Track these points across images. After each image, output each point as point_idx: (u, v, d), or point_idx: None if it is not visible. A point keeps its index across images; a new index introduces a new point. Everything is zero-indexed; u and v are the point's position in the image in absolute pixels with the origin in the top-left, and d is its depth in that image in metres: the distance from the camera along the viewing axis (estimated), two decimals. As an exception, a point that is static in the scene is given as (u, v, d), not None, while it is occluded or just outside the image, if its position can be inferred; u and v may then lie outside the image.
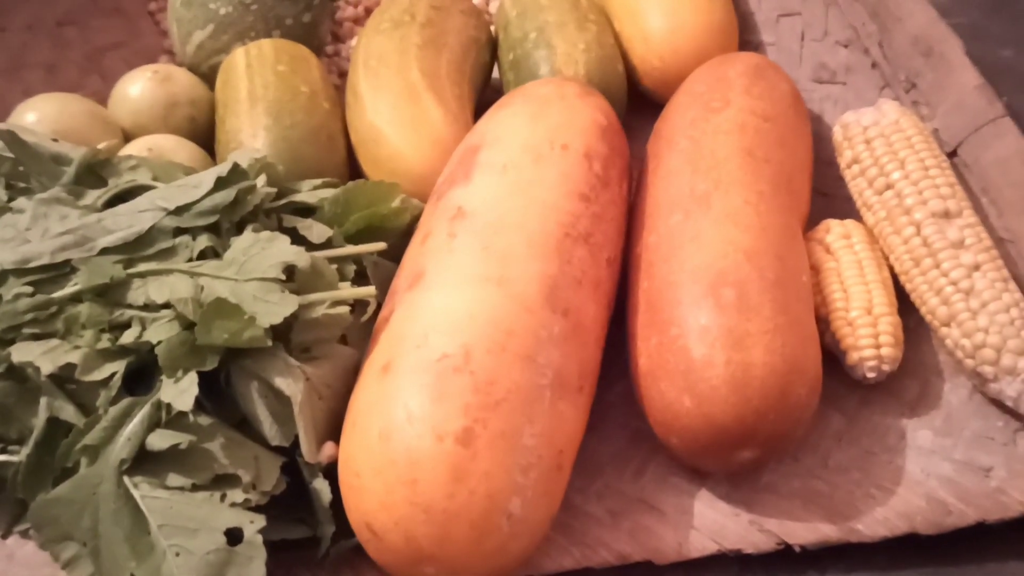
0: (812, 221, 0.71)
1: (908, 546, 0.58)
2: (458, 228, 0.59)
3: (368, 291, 0.59)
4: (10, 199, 0.63)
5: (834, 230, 0.68)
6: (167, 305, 0.55)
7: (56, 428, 0.54)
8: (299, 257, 0.57)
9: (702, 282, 0.58)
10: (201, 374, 0.53)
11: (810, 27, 0.82)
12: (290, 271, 0.57)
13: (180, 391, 0.52)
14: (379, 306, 0.61)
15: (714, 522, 0.59)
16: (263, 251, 0.57)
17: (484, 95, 0.86)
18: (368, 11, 0.98)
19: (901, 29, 0.74)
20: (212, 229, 0.60)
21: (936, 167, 0.66)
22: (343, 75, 0.91)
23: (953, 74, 0.70)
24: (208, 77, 0.83)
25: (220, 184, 0.61)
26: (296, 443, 0.55)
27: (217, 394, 0.56)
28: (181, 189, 0.61)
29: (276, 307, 0.55)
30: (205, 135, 0.80)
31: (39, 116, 0.74)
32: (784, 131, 0.69)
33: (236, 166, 0.62)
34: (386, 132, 0.74)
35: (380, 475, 0.51)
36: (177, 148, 0.75)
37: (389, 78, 0.77)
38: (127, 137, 0.79)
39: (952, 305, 0.62)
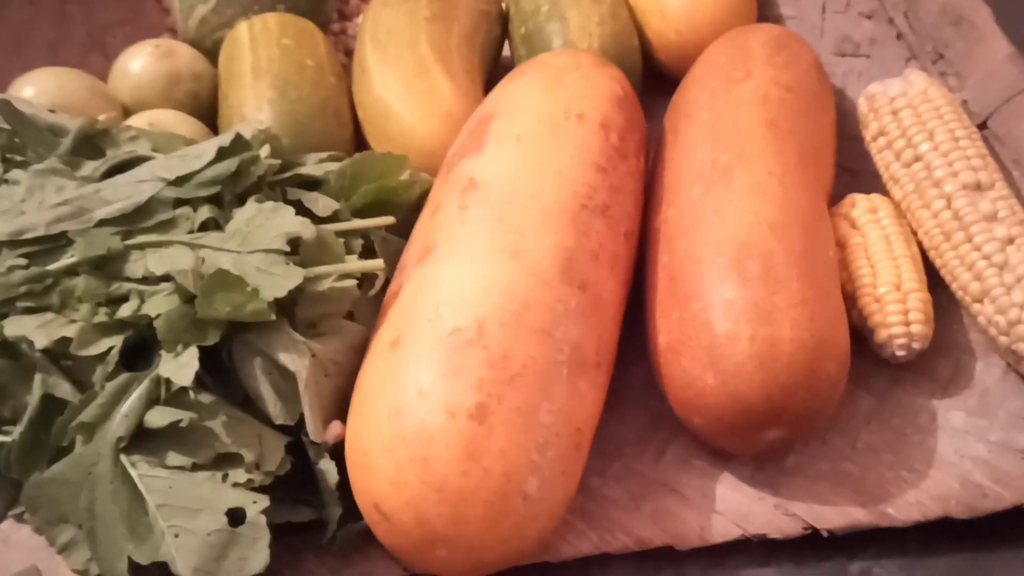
0: (836, 197, 0.68)
1: (942, 530, 0.56)
2: (470, 200, 0.57)
3: (376, 264, 0.56)
4: (6, 171, 0.61)
5: (860, 204, 0.66)
6: (167, 278, 0.53)
7: (51, 405, 0.52)
8: (304, 228, 0.55)
9: (726, 255, 0.56)
10: (202, 349, 0.51)
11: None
12: (295, 243, 0.55)
13: (180, 366, 0.50)
14: (387, 281, 0.59)
15: (739, 506, 0.57)
16: (267, 222, 0.55)
17: (495, 71, 0.84)
18: (375, -13, 0.95)
19: (928, -1, 0.72)
20: (214, 200, 0.58)
21: (966, 138, 0.64)
22: (349, 53, 0.89)
23: (983, 43, 0.68)
24: (211, 53, 0.81)
25: (222, 154, 0.59)
26: (301, 422, 0.53)
27: (219, 370, 0.54)
28: (182, 159, 0.59)
29: (280, 279, 0.52)
30: (208, 111, 0.78)
31: (38, 89, 0.72)
32: (808, 102, 0.67)
33: (239, 136, 0.59)
34: (395, 107, 0.72)
35: (390, 453, 0.48)
36: (178, 123, 0.73)
37: (398, 52, 0.74)
38: (128, 113, 0.77)
39: (985, 280, 0.60)
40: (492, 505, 0.48)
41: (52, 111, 0.64)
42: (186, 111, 0.77)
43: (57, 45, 0.86)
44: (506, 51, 0.86)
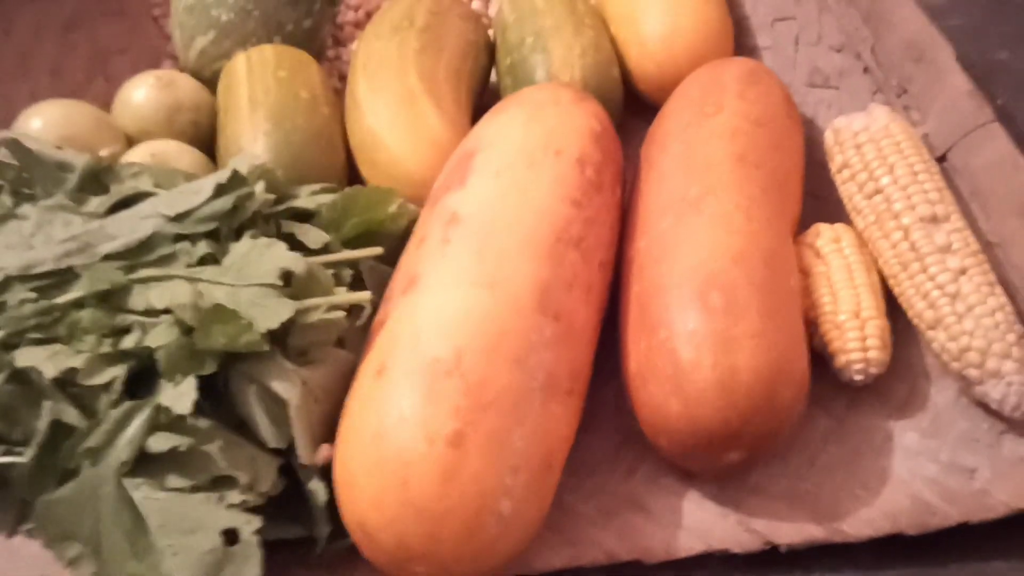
0: (805, 223, 0.72)
1: (893, 546, 0.59)
2: (452, 233, 0.61)
3: (363, 296, 0.60)
4: (15, 204, 0.65)
5: (824, 234, 0.69)
6: (167, 310, 0.57)
7: (59, 430, 0.55)
8: (296, 263, 0.58)
9: (690, 285, 0.60)
10: (200, 378, 0.55)
11: (805, 31, 0.83)
12: (287, 276, 0.58)
13: (179, 395, 0.53)
14: (375, 310, 0.63)
15: (702, 522, 0.61)
16: (261, 257, 0.59)
17: (482, 98, 0.87)
18: (369, 15, 0.99)
19: (893, 34, 0.75)
20: (211, 235, 0.62)
21: (925, 172, 0.67)
22: (344, 79, 0.92)
23: (943, 79, 0.71)
24: (210, 82, 0.85)
25: (220, 190, 0.62)
26: (293, 445, 0.56)
27: (216, 396, 0.57)
28: (182, 195, 0.62)
29: (273, 312, 0.56)
30: (208, 140, 0.81)
31: (44, 122, 0.76)
32: (777, 136, 0.70)
33: (235, 173, 0.63)
34: (384, 137, 0.75)
35: (373, 476, 0.52)
36: (179, 153, 0.77)
37: (387, 83, 0.78)
38: (131, 142, 0.81)
39: (938, 309, 0.63)
40: (467, 525, 0.51)
41: (59, 147, 0.68)
42: (187, 140, 0.80)
43: (61, 71, 0.90)
44: (494, 77, 0.89)
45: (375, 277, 0.66)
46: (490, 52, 0.89)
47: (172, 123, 0.81)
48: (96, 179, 0.66)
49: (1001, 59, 0.91)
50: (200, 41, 0.84)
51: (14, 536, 0.59)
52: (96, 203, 0.63)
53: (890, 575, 0.59)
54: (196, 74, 0.86)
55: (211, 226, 0.61)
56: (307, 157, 0.75)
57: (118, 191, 0.65)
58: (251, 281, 0.58)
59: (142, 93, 0.81)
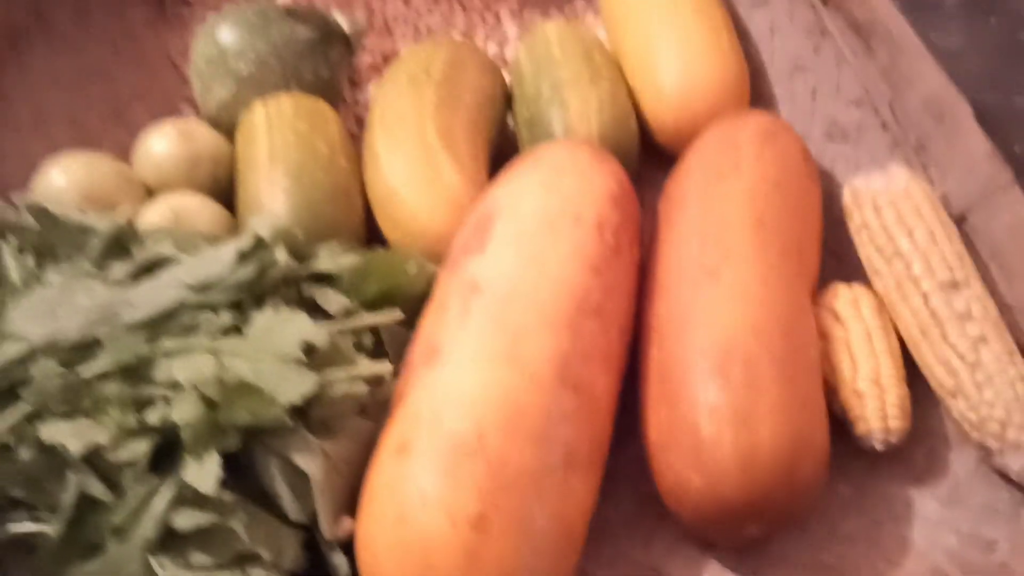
0: (824, 279, 0.72)
1: (913, 619, 0.59)
2: (472, 304, 0.61)
3: (384, 368, 0.60)
4: (38, 266, 0.65)
5: (842, 296, 0.69)
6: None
7: (85, 503, 0.56)
8: (318, 335, 0.58)
9: (711, 359, 0.60)
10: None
11: (822, 83, 0.83)
12: (309, 348, 0.58)
13: (204, 473, 0.54)
14: (396, 374, 0.63)
15: (722, 593, 0.61)
16: (283, 329, 0.59)
17: (499, 145, 0.87)
18: (386, 58, 0.99)
19: (912, 91, 0.75)
20: (234, 303, 0.62)
21: (944, 236, 0.67)
22: (360, 123, 0.93)
23: (963, 139, 0.71)
24: (230, 131, 0.85)
25: (242, 258, 0.63)
26: (315, 517, 0.57)
27: (238, 469, 0.58)
28: (203, 263, 0.63)
29: (295, 386, 0.56)
30: (227, 191, 0.82)
31: (67, 179, 0.76)
32: (795, 196, 0.70)
33: (259, 240, 0.63)
34: (402, 193, 0.76)
35: (396, 558, 0.53)
36: (201, 208, 0.77)
37: (405, 138, 0.78)
38: (150, 192, 0.81)
39: (958, 377, 0.63)
40: (490, 608, 0.52)
41: (82, 210, 0.68)
42: (206, 191, 0.80)
43: (79, 120, 0.90)
44: (511, 120, 0.89)
45: (395, 340, 0.66)
46: (507, 100, 0.89)
47: (192, 175, 0.81)
48: (119, 242, 0.66)
49: (1018, 105, 0.91)
50: (219, 92, 0.84)
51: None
52: (119, 269, 0.64)
53: (910, 648, 0.59)
54: (215, 122, 0.86)
55: (235, 296, 0.61)
56: (326, 213, 0.76)
57: (140, 256, 0.65)
58: (273, 353, 0.58)
59: (163, 145, 0.81)
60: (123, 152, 0.84)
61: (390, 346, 0.66)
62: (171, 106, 0.94)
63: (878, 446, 0.64)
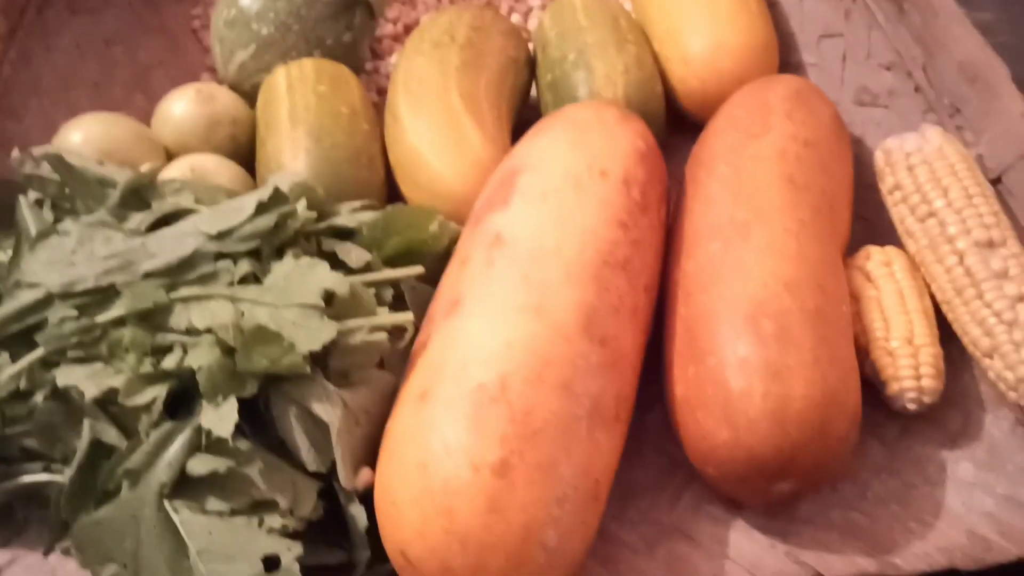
0: (853, 246, 0.70)
1: (948, 582, 0.58)
2: (496, 255, 0.60)
3: (406, 317, 0.59)
4: (56, 219, 0.64)
5: (874, 257, 0.68)
6: (208, 330, 0.56)
7: (99, 450, 0.55)
8: (339, 284, 0.57)
9: (741, 313, 0.58)
10: (241, 398, 0.54)
11: (852, 49, 0.82)
12: (330, 297, 0.57)
13: (220, 417, 0.53)
14: (416, 330, 0.62)
15: (750, 552, 0.59)
16: (303, 277, 0.58)
17: (523, 111, 0.86)
18: (407, 28, 0.98)
19: (946, 54, 0.73)
20: (253, 253, 0.61)
21: (980, 195, 0.66)
22: (382, 92, 0.92)
23: (999, 101, 0.70)
24: (250, 95, 0.84)
25: (261, 208, 0.62)
26: (333, 468, 0.55)
27: (256, 418, 0.56)
28: (223, 213, 0.62)
29: (315, 333, 0.55)
30: (246, 154, 0.81)
31: (85, 136, 0.75)
32: (825, 157, 0.69)
33: (277, 190, 0.62)
34: (426, 155, 0.75)
35: (416, 504, 0.51)
36: (219, 168, 0.76)
37: (429, 101, 0.77)
38: (170, 156, 0.80)
39: (995, 337, 0.62)
40: (512, 556, 0.50)
41: (100, 162, 0.68)
42: (225, 153, 0.80)
43: (101, 86, 0.90)
44: (533, 91, 0.88)
45: (416, 297, 0.65)
46: (531, 67, 0.88)
47: (211, 137, 0.80)
48: (137, 195, 0.65)
49: (1051, 78, 0.89)
50: (240, 55, 0.84)
51: (51, 554, 0.59)
52: (138, 220, 0.63)
53: (944, 612, 0.58)
54: (236, 87, 0.85)
55: (253, 244, 0.60)
56: (347, 174, 0.75)
57: (159, 207, 0.64)
58: (293, 301, 0.57)
59: (182, 106, 0.81)
60: (144, 119, 0.83)
61: (411, 301, 0.64)
62: (192, 75, 0.94)
63: (910, 406, 0.62)
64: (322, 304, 0.56)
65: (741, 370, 0.56)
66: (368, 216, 0.67)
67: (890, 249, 0.69)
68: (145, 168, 0.69)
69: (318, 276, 0.58)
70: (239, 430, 0.55)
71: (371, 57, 0.97)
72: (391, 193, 0.78)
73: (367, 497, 0.56)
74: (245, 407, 0.55)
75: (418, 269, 0.64)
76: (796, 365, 0.56)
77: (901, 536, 0.59)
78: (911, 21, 0.76)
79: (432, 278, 0.65)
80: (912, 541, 0.59)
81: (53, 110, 0.85)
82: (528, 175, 0.64)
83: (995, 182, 0.69)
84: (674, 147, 0.80)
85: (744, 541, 0.60)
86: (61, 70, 0.88)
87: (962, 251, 0.64)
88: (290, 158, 0.74)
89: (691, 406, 0.59)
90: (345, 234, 0.67)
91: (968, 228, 0.64)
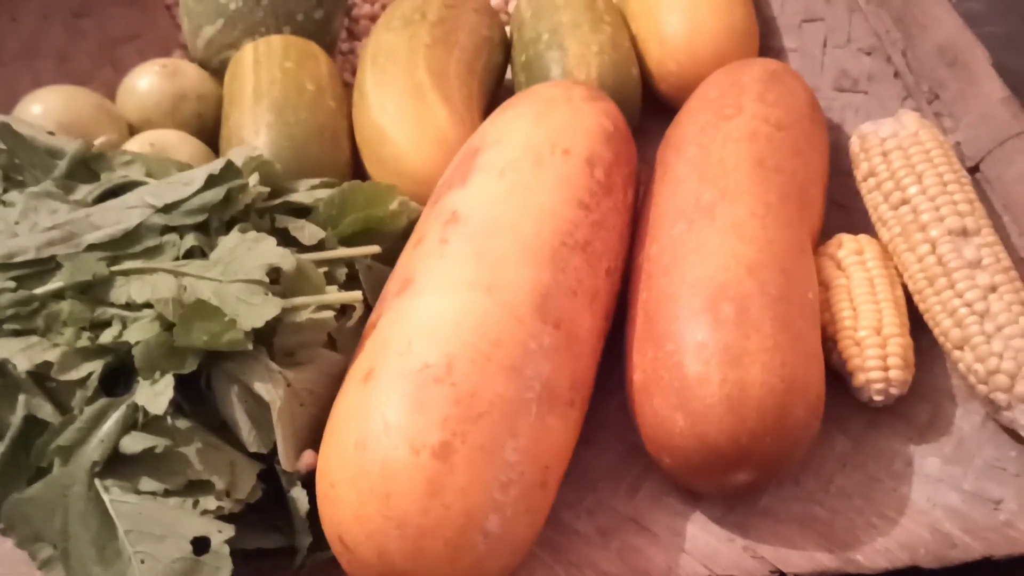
0: (829, 233, 0.68)
1: (909, 579, 0.56)
2: (451, 233, 0.58)
3: (354, 296, 0.57)
4: (5, 190, 0.63)
5: (846, 245, 0.66)
6: (149, 305, 0.54)
7: (33, 426, 0.53)
8: (284, 259, 0.56)
9: (701, 296, 0.56)
10: (181, 376, 0.52)
11: (833, 33, 0.80)
12: (275, 273, 0.55)
13: (155, 394, 0.51)
14: (369, 311, 0.60)
15: (706, 546, 0.57)
16: (248, 252, 0.56)
17: (497, 96, 0.85)
18: (385, 8, 0.96)
19: (926, 37, 0.71)
20: (201, 228, 0.59)
21: (955, 182, 0.63)
22: (355, 72, 0.90)
23: (978, 85, 0.67)
24: (219, 72, 0.82)
25: (211, 182, 0.60)
26: (275, 450, 0.53)
27: (197, 395, 0.55)
28: (171, 186, 0.60)
29: (259, 309, 0.53)
30: (212, 132, 0.79)
31: (44, 108, 0.74)
32: (798, 140, 0.67)
33: (229, 163, 0.60)
34: (390, 131, 0.73)
35: (354, 486, 0.49)
36: (180, 144, 0.74)
37: (396, 76, 0.75)
38: (133, 131, 0.79)
39: (966, 328, 0.59)
40: (451, 542, 0.48)
41: (51, 133, 0.66)
42: (191, 131, 0.78)
43: (67, 57, 0.88)
44: (509, 74, 0.86)
45: (372, 277, 0.63)
46: (506, 49, 0.86)
47: (176, 112, 0.79)
48: (86, 166, 0.64)
49: (1040, 68, 0.87)
50: (208, 30, 0.82)
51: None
52: (84, 191, 0.61)
53: (905, 610, 0.56)
54: (204, 64, 0.84)
55: (200, 218, 0.59)
56: (310, 151, 0.73)
57: (108, 179, 0.62)
58: (237, 277, 0.55)
59: (146, 81, 0.79)
60: (111, 94, 0.81)
61: (366, 281, 0.63)
62: (165, 51, 0.92)
63: (877, 397, 0.60)
64: (266, 280, 0.55)
65: (699, 354, 0.54)
66: (326, 192, 0.65)
67: (863, 237, 0.67)
68: (99, 141, 0.67)
69: (263, 251, 0.56)
70: (178, 408, 0.53)
71: (348, 38, 0.95)
72: (358, 173, 0.76)
73: (309, 481, 0.54)
74: (185, 385, 0.53)
75: (373, 249, 0.62)
76: (756, 350, 0.54)
77: (863, 531, 0.57)
78: (891, 3, 0.74)
79: (391, 259, 0.63)
80: (874, 537, 0.57)
81: (16, 78, 0.83)
82: (488, 152, 0.63)
83: (973, 170, 0.67)
84: (650, 131, 0.78)
85: (701, 534, 0.58)
86: (26, 38, 0.86)
87: (935, 239, 0.62)
88: (251, 133, 0.72)
89: (648, 392, 0.57)
90: (302, 211, 0.65)
91: (942, 216, 0.62)
